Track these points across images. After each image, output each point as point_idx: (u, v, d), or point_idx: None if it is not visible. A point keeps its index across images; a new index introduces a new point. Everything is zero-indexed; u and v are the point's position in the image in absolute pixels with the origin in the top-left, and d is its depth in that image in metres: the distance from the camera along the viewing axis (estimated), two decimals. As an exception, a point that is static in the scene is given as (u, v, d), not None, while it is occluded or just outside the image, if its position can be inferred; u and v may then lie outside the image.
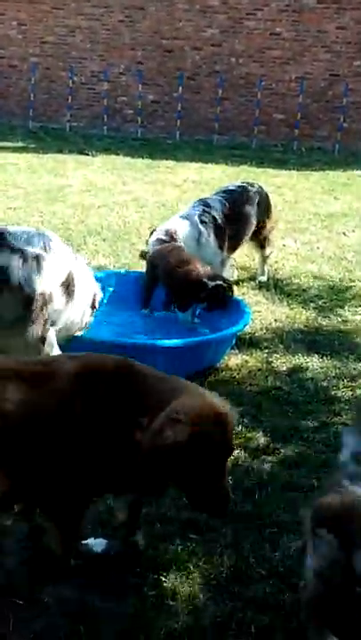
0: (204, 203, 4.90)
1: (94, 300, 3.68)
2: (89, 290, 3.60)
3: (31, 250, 3.25)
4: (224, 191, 5.07)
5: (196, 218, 4.79)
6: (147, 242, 4.90)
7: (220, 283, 4.10)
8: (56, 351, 3.38)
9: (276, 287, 5.37)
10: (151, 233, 4.85)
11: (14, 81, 15.46)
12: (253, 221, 5.21)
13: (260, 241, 5.48)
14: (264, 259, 5.60)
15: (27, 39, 15.22)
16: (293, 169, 11.75)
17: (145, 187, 9.45)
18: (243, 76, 14.56)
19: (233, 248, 5.19)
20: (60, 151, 12.02)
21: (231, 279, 4.98)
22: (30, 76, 15.08)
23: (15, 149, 11.89)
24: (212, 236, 4.77)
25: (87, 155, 11.85)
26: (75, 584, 2.27)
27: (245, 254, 6.06)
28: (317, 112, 14.37)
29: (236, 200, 5.02)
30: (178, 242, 4.56)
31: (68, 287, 3.39)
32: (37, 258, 3.24)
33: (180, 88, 14.60)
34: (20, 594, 2.22)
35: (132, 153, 12.49)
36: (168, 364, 3.67)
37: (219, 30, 14.38)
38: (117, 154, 12.26)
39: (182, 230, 4.71)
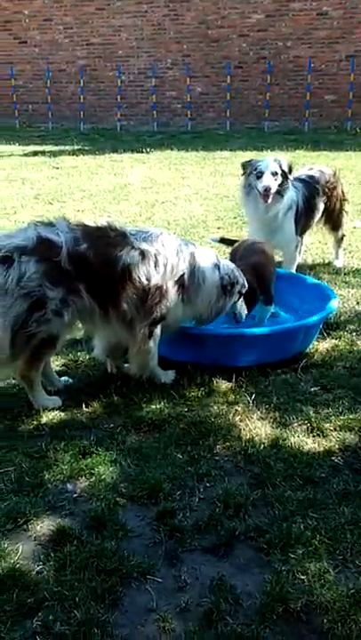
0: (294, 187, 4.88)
1: (225, 286, 3.62)
2: (209, 287, 3.60)
3: (149, 248, 3.39)
4: (300, 180, 5.05)
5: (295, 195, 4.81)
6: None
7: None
8: (156, 346, 3.52)
9: (354, 270, 5.37)
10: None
11: (64, 85, 15.81)
12: (321, 209, 5.20)
13: (333, 224, 5.47)
14: (338, 242, 5.59)
15: (74, 42, 15.53)
16: (350, 150, 11.61)
17: (204, 179, 9.53)
18: (291, 59, 14.45)
19: (302, 233, 5.22)
20: (116, 150, 12.22)
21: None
22: (79, 79, 15.38)
23: (72, 152, 12.17)
24: (292, 220, 4.81)
25: (142, 152, 12.00)
26: (209, 563, 2.39)
27: (318, 240, 6.08)
28: (370, 90, 14.12)
29: (309, 189, 5.02)
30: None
31: (182, 285, 3.49)
32: (155, 255, 3.39)
33: (228, 77, 14.61)
34: (157, 572, 2.35)
35: (185, 146, 12.59)
36: (261, 352, 3.78)
37: (264, 15, 14.31)
38: (171, 149, 12.39)
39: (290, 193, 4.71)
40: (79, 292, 3.29)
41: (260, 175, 4.59)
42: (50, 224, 3.39)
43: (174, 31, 14.89)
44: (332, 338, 4.17)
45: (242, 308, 3.81)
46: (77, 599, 2.21)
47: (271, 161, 4.63)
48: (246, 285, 3.76)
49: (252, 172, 4.66)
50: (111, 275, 3.32)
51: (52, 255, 3.23)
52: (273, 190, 4.57)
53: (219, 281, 3.62)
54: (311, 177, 5.15)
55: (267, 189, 4.55)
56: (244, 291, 3.76)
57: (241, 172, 4.85)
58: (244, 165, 4.78)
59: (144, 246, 3.40)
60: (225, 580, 2.30)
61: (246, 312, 3.85)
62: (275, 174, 4.57)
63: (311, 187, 5.07)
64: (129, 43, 15.22)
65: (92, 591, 2.24)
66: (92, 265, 3.28)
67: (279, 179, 4.60)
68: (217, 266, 3.66)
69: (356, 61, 13.90)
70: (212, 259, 3.68)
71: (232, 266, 3.76)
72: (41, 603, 2.21)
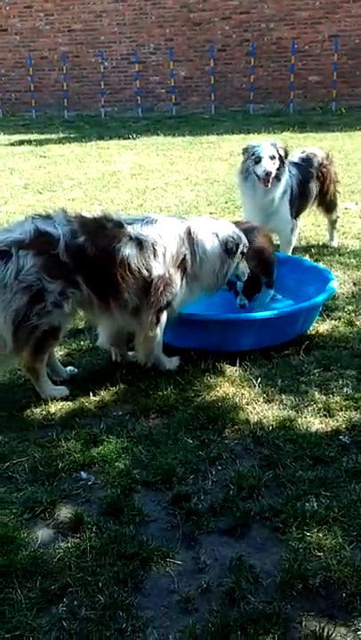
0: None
1: (230, 249, 3.61)
2: (211, 257, 3.59)
3: (146, 237, 3.38)
4: (293, 163, 5.04)
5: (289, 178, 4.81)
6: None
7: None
8: (162, 333, 3.54)
9: (349, 251, 5.41)
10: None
11: (46, 72, 15.65)
12: (315, 192, 5.23)
13: (327, 206, 5.51)
14: (332, 224, 5.63)
15: (55, 29, 15.36)
16: (337, 130, 11.63)
17: (193, 164, 9.51)
18: (274, 41, 14.38)
19: (297, 216, 5.23)
20: (102, 137, 12.14)
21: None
22: (62, 66, 15.22)
23: (58, 141, 12.08)
24: (287, 203, 4.83)
25: (129, 138, 11.94)
26: (227, 544, 2.44)
27: (311, 222, 6.11)
28: (354, 69, 14.10)
29: (303, 173, 5.04)
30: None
31: (184, 268, 3.50)
32: (153, 245, 3.38)
33: (212, 61, 14.52)
34: (177, 555, 2.39)
35: (171, 131, 12.55)
36: (263, 336, 3.81)
37: (246, -3, 14.21)
38: (157, 134, 12.34)
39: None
40: (78, 284, 3.30)
41: (258, 160, 4.58)
42: (47, 216, 3.39)
43: (156, 15, 14.75)
44: (332, 319, 4.22)
45: (244, 267, 3.81)
46: (100, 584, 2.25)
47: (268, 145, 4.62)
48: (247, 243, 3.77)
49: (249, 157, 4.65)
50: (110, 266, 3.31)
51: (50, 248, 3.23)
52: (273, 174, 4.56)
53: (220, 247, 3.61)
54: (304, 160, 5.17)
55: (268, 174, 4.53)
56: (245, 250, 3.76)
57: (242, 157, 4.83)
58: (244, 151, 4.77)
59: (141, 236, 3.39)
60: (243, 559, 2.35)
61: (248, 271, 3.84)
62: (273, 158, 4.56)
63: (305, 170, 5.09)
64: (111, 28, 15.06)
65: (114, 576, 2.28)
66: (89, 257, 3.28)
67: (277, 163, 4.59)
68: (215, 233, 3.64)
69: (340, 41, 13.88)
70: (209, 227, 3.66)
71: (231, 227, 3.74)
72: (65, 589, 2.24)
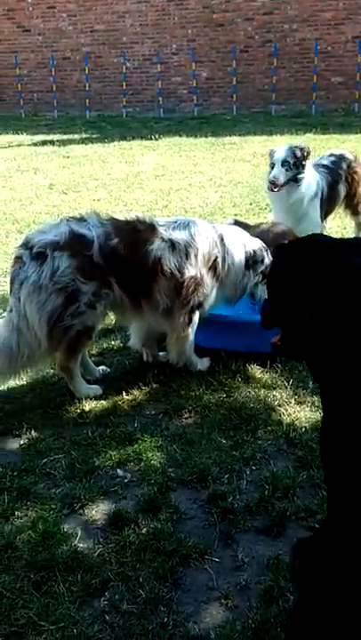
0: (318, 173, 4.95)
1: (247, 261, 3.68)
2: (237, 267, 3.65)
3: (178, 239, 3.43)
4: (322, 165, 5.08)
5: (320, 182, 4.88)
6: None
7: None
8: (193, 333, 3.58)
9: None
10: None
11: (69, 72, 15.73)
12: (343, 194, 5.27)
13: (354, 207, 5.52)
14: (359, 226, 5.64)
15: (77, 29, 15.43)
16: (360, 132, 11.56)
17: (216, 165, 9.53)
18: (297, 42, 14.34)
19: (325, 217, 5.27)
20: (124, 138, 12.20)
21: None
22: (84, 66, 15.30)
23: (81, 141, 12.16)
24: (317, 206, 4.86)
25: (151, 139, 11.99)
26: (263, 543, 2.47)
27: (337, 225, 6.12)
28: (377, 71, 14.02)
29: (332, 175, 5.07)
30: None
31: (215, 268, 3.55)
32: (186, 246, 3.43)
33: (234, 61, 14.52)
34: (214, 553, 2.43)
35: (193, 132, 12.56)
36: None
37: (269, -2, 14.19)
38: (180, 135, 12.35)
39: (311, 178, 4.79)
40: (111, 285, 3.35)
41: (272, 166, 4.72)
42: (81, 219, 3.45)
43: (179, 16, 14.78)
44: None
45: (262, 290, 3.84)
46: (141, 579, 2.30)
47: (284, 150, 4.73)
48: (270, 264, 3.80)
49: (270, 161, 4.78)
50: (142, 268, 3.37)
51: (84, 250, 3.29)
52: (281, 181, 4.67)
53: (244, 259, 3.68)
54: (334, 162, 5.19)
55: (271, 181, 4.70)
56: (267, 272, 3.79)
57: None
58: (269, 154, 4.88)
59: (174, 238, 3.44)
60: (281, 558, 2.38)
61: (266, 296, 3.85)
62: (285, 164, 4.67)
63: (334, 172, 5.11)
64: (133, 29, 15.12)
65: (153, 571, 2.33)
66: (123, 258, 3.34)
67: (292, 167, 4.68)
68: (243, 244, 3.70)
69: (363, 42, 13.80)
70: (239, 237, 3.72)
71: (259, 244, 3.78)
72: (106, 583, 2.30)
